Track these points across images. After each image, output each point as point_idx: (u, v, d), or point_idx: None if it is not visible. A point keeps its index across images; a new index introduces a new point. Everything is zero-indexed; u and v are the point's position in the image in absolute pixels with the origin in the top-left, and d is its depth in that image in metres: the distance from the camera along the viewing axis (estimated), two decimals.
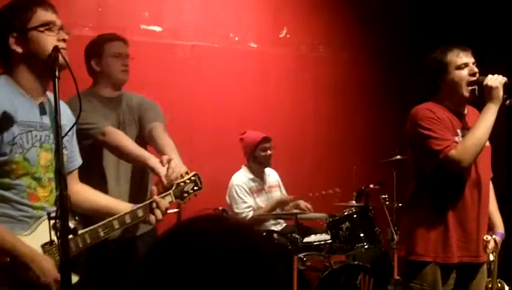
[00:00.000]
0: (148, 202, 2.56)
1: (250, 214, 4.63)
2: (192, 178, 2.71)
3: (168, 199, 2.62)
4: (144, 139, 3.29)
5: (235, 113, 5.46)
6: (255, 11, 5.80)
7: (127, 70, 3.29)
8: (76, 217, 2.38)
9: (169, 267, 0.96)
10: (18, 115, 2.20)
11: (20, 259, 2.13)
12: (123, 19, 4.91)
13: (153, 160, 2.85)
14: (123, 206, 2.59)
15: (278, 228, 4.74)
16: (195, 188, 2.71)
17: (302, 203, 4.78)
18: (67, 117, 2.38)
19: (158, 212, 2.54)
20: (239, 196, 4.70)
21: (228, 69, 5.54)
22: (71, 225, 2.21)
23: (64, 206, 2.00)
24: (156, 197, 2.58)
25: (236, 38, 5.64)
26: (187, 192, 2.68)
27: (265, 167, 4.90)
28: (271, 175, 4.98)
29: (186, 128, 4.88)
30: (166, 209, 2.59)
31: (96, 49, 3.29)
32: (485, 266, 3.06)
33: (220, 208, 4.40)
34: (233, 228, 1.01)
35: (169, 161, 2.75)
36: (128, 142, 3.02)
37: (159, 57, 5.10)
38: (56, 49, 2.16)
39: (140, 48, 4.92)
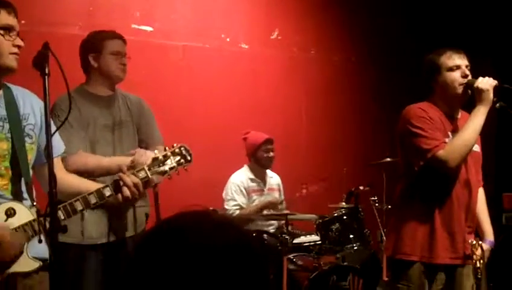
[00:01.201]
0: (116, 179, 2.45)
1: (236, 212, 4.64)
2: (176, 151, 2.55)
3: (142, 174, 2.48)
4: (142, 142, 3.30)
5: (226, 113, 5.45)
6: (247, 12, 5.79)
7: (125, 69, 3.30)
8: (35, 203, 2.32)
9: (157, 264, 0.95)
10: None
11: None
12: (114, 18, 4.89)
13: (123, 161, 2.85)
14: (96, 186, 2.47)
15: (270, 228, 4.75)
16: (181, 160, 2.55)
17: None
18: (31, 106, 2.39)
19: (125, 189, 2.42)
20: (232, 193, 4.71)
21: (219, 69, 5.53)
22: (33, 209, 2.22)
23: (54, 204, 1.98)
24: (121, 173, 2.47)
25: (228, 39, 5.63)
26: (170, 166, 2.52)
27: (266, 169, 4.90)
28: (273, 178, 5.00)
29: (176, 129, 4.86)
30: (137, 185, 2.46)
31: (96, 45, 3.28)
32: (470, 268, 3.05)
33: (211, 208, 4.39)
34: (221, 224, 1.01)
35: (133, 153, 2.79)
36: (91, 160, 2.97)
37: (150, 57, 5.08)
38: (46, 46, 2.16)
39: (131, 47, 4.91)
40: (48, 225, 2.01)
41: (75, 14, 4.77)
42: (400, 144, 3.10)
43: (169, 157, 2.52)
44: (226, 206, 4.68)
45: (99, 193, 2.39)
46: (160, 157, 2.51)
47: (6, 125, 2.30)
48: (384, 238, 4.52)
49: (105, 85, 3.29)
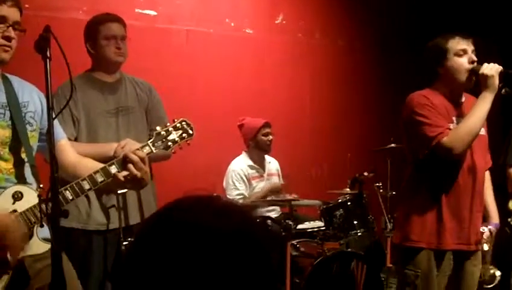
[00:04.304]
0: (119, 157, 2.42)
1: (240, 201, 4.63)
2: (178, 125, 2.54)
3: (146, 149, 2.45)
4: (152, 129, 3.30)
5: (230, 99, 5.44)
6: None
7: (122, 52, 3.26)
8: (41, 185, 2.30)
9: (158, 249, 0.94)
10: None
11: None
12: (118, 3, 4.86)
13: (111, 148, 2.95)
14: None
15: (273, 214, 4.75)
16: (183, 135, 2.54)
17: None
18: (30, 94, 2.39)
19: (131, 166, 2.38)
20: (233, 182, 4.70)
21: (223, 55, 5.51)
22: (36, 192, 2.22)
23: (56, 189, 1.98)
24: (126, 151, 2.45)
25: (232, 24, 5.60)
26: (173, 140, 2.51)
27: (266, 153, 4.89)
28: (271, 163, 4.99)
29: (180, 114, 4.83)
30: (143, 160, 2.41)
31: (90, 31, 3.27)
32: (479, 254, 3.07)
33: (214, 194, 4.38)
34: (225, 209, 1.00)
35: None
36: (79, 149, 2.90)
37: (153, 42, 5.07)
38: (47, 29, 2.14)
39: (134, 32, 4.88)
40: (49, 210, 2.00)
41: None
42: (404, 132, 3.09)
43: (171, 132, 2.51)
44: (229, 196, 4.67)
45: (105, 170, 2.36)
46: (163, 132, 2.50)
47: (8, 113, 2.29)
48: (389, 224, 4.54)
49: (107, 71, 3.28)
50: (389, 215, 4.63)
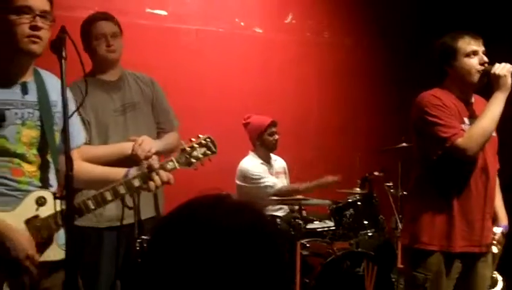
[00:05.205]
0: (144, 171, 2.44)
1: (279, 185, 4.62)
2: (202, 142, 2.58)
3: (170, 165, 2.48)
4: (159, 126, 3.33)
5: (239, 98, 5.43)
6: None
7: (112, 49, 3.25)
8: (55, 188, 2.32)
9: (173, 247, 0.97)
10: None
11: None
12: (128, 2, 4.86)
13: (126, 147, 2.98)
14: (121, 173, 2.46)
15: (280, 213, 4.73)
16: (207, 152, 2.58)
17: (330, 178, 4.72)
18: (58, 93, 2.32)
19: (157, 178, 2.41)
20: (255, 175, 4.65)
21: (233, 54, 5.50)
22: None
23: (70, 187, 1.99)
24: (152, 163, 2.45)
25: (242, 24, 5.60)
26: (196, 157, 2.54)
27: (272, 151, 4.88)
28: (277, 161, 4.96)
29: (189, 113, 4.85)
30: (169, 181, 2.44)
31: (83, 35, 3.28)
32: (489, 256, 3.03)
33: (225, 192, 4.37)
34: (237, 208, 1.02)
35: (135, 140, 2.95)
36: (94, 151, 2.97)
37: (163, 41, 5.07)
38: (63, 30, 2.14)
39: (145, 31, 4.89)
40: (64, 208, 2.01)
41: None
42: (415, 133, 3.05)
43: (195, 149, 2.55)
44: (262, 184, 4.60)
45: (128, 184, 2.38)
46: (188, 148, 2.53)
47: (37, 113, 2.28)
48: (399, 224, 4.51)
49: (105, 70, 3.29)
50: (400, 216, 4.61)
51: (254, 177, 4.67)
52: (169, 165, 2.48)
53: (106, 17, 3.29)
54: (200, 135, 2.59)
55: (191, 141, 2.56)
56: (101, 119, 3.20)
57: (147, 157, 2.90)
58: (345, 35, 6.19)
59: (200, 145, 2.56)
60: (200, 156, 2.55)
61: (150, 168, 2.40)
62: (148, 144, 3.04)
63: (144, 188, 2.42)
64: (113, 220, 3.14)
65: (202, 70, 5.29)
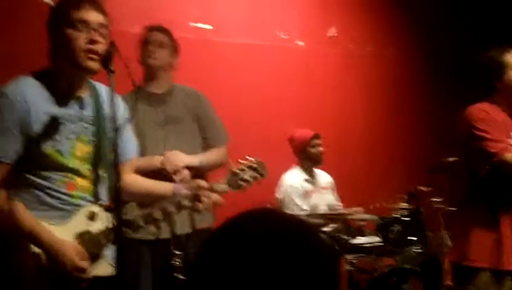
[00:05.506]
0: (195, 191, 2.45)
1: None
2: (253, 166, 2.57)
3: (221, 188, 2.49)
4: (206, 141, 3.34)
5: (281, 111, 5.41)
6: (303, 8, 5.74)
7: (153, 57, 3.31)
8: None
9: (221, 261, 0.99)
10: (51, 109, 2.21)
11: (39, 245, 2.12)
12: (172, 16, 4.91)
13: (156, 160, 3.06)
14: (168, 187, 2.50)
15: (325, 228, 4.66)
16: (256, 175, 2.57)
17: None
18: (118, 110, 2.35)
19: (205, 200, 2.41)
20: (293, 198, 4.62)
21: (275, 67, 5.50)
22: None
23: (118, 199, 1.98)
24: (203, 184, 2.46)
25: (283, 36, 5.60)
26: (245, 180, 2.53)
27: (318, 165, 4.83)
28: (323, 177, 4.91)
29: (232, 126, 4.85)
30: (216, 198, 2.46)
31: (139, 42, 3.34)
32: None
33: (268, 205, 4.35)
34: (285, 221, 1.05)
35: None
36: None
37: (206, 55, 5.09)
38: (112, 44, 2.14)
39: (188, 45, 4.91)
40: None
41: (135, 11, 4.81)
42: (462, 147, 3.02)
43: (245, 171, 2.54)
44: (289, 211, 4.54)
45: (178, 204, 2.38)
46: (238, 171, 2.52)
47: (91, 128, 2.29)
48: (447, 240, 4.42)
49: (149, 78, 3.34)
50: (448, 232, 4.50)
51: (290, 199, 4.64)
52: (220, 188, 2.48)
53: (158, 28, 3.36)
54: (248, 157, 2.59)
55: (239, 163, 2.56)
56: (140, 131, 3.21)
57: (176, 172, 2.94)
58: (388, 47, 6.15)
59: (251, 168, 2.56)
60: (250, 179, 2.54)
61: (199, 188, 2.41)
62: (177, 159, 3.05)
63: (193, 208, 2.42)
64: (151, 233, 3.14)
65: (245, 84, 5.29)
